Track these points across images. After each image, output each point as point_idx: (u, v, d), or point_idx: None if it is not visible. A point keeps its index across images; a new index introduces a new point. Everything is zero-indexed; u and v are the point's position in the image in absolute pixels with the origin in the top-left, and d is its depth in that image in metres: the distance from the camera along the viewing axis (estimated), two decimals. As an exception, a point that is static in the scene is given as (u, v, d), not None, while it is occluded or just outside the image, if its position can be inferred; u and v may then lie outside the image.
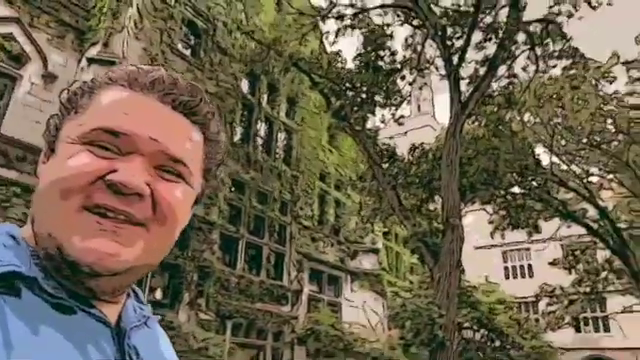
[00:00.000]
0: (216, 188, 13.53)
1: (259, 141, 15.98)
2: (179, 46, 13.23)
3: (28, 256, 0.52)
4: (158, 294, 11.93)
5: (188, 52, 13.65)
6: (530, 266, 31.07)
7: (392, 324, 14.40)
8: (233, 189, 14.37)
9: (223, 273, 12.66)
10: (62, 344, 0.48)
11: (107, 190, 0.52)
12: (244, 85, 15.59)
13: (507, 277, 31.76)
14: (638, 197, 18.23)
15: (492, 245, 29.58)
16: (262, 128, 16.34)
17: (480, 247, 31.87)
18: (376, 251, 19.03)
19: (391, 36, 11.84)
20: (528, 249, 30.27)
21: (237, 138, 15.11)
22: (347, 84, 12.16)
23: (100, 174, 0.52)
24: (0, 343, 0.44)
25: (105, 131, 0.54)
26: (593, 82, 15.39)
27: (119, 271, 0.53)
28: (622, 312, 20.83)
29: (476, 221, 27.20)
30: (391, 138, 33.61)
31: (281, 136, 16.92)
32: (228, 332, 12.29)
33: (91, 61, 10.02)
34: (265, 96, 16.37)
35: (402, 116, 13.98)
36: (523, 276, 31.37)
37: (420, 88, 16.14)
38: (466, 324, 16.74)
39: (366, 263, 18.09)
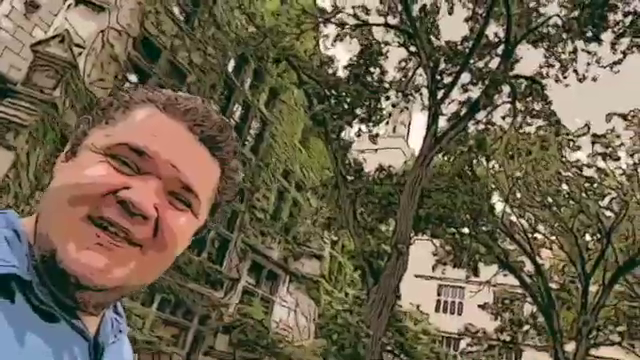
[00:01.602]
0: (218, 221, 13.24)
1: (232, 124, 15.77)
2: (175, 9, 12.91)
3: (27, 256, 0.52)
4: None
5: (182, 18, 13.34)
6: (461, 304, 32.11)
7: (319, 332, 14.53)
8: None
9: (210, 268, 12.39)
10: (41, 353, 0.49)
11: (115, 205, 0.52)
12: (230, 65, 15.37)
13: (437, 310, 32.69)
14: (573, 263, 19.22)
15: (430, 276, 30.34)
16: (238, 111, 16.16)
17: (419, 275, 32.65)
18: (320, 258, 19.15)
19: (386, 56, 11.99)
20: (463, 288, 31.26)
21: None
22: (333, 91, 12.21)
23: (113, 188, 0.53)
24: None
25: (130, 148, 0.55)
26: (559, 147, 16.14)
27: (105, 287, 0.53)
28: (534, 366, 21.82)
29: (421, 250, 27.85)
30: (362, 152, 33.93)
31: (255, 124, 16.79)
32: (154, 305, 12.04)
33: (79, 1, 9.61)
34: (249, 81, 16.20)
35: (377, 134, 14.18)
36: (452, 312, 32.38)
37: (401, 111, 16.41)
38: (388, 347, 17.11)
39: (308, 267, 18.17)
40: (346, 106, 11.31)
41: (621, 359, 24.83)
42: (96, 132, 0.58)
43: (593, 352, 22.93)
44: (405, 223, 9.35)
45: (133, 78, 12.98)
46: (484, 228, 14.78)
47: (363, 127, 13.37)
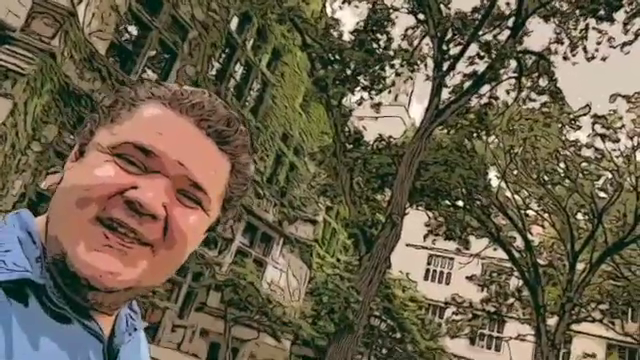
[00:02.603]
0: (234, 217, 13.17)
1: (232, 83, 15.56)
2: (178, -39, 12.48)
3: (41, 258, 0.52)
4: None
5: (186, -30, 12.90)
6: (449, 274, 32.78)
7: (309, 295, 14.86)
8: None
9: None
10: (56, 355, 0.49)
11: (123, 205, 0.52)
12: (233, 23, 15.00)
13: (426, 279, 33.40)
14: (563, 241, 19.54)
15: (422, 246, 30.82)
16: (239, 71, 15.90)
17: (410, 245, 33.15)
18: (314, 222, 19.35)
19: (393, 22, 11.72)
20: (452, 259, 31.82)
21: (212, 73, 14.64)
22: (337, 56, 11.98)
23: (120, 188, 0.52)
24: (2, 350, 0.44)
25: (136, 147, 0.54)
26: (560, 125, 16.08)
27: (117, 289, 0.53)
28: (515, 338, 22.56)
29: (413, 219, 28.14)
30: (361, 119, 33.70)
31: (256, 85, 16.56)
32: (150, 261, 12.19)
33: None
34: (252, 40, 15.85)
35: (380, 103, 14.03)
36: (440, 282, 33.09)
37: (405, 81, 16.19)
38: (376, 312, 17.55)
39: (302, 231, 18.39)
40: (349, 72, 11.12)
41: (601, 334, 25.70)
42: (103, 131, 0.57)
43: (574, 327, 23.70)
44: (401, 194, 9.40)
45: (133, 30, 12.68)
46: (478, 202, 14.90)
47: (365, 95, 13.22)
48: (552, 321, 19.66)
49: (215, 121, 0.58)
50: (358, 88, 12.86)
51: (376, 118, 44.70)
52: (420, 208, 14.31)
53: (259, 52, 16.19)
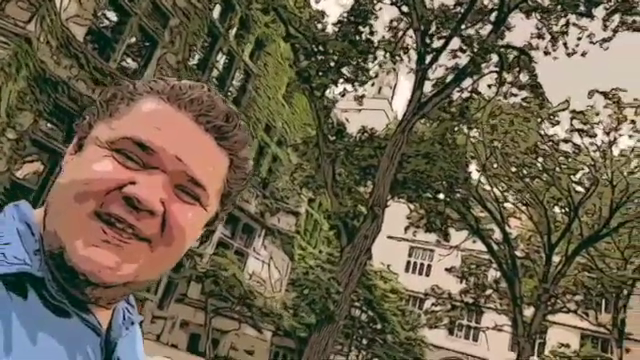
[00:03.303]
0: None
1: (215, 73, 15.37)
2: (160, -54, 12.22)
3: (40, 251, 0.52)
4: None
5: (167, -45, 12.64)
6: (430, 266, 33.22)
7: (291, 287, 14.89)
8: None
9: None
10: (54, 349, 0.49)
11: (121, 201, 0.52)
12: (216, 11, 14.79)
13: (407, 270, 33.79)
14: (540, 233, 19.94)
15: (403, 238, 31.13)
16: (222, 61, 15.71)
17: (392, 237, 33.45)
18: (297, 214, 19.35)
19: (376, 15, 11.70)
20: (433, 251, 32.23)
21: (193, 62, 14.43)
22: (320, 47, 11.93)
23: (118, 184, 0.52)
24: (1, 343, 0.45)
25: (134, 142, 0.54)
26: (539, 120, 16.34)
27: (115, 284, 0.53)
28: (493, 328, 23.02)
29: (395, 212, 28.38)
30: (345, 111, 33.70)
31: (239, 75, 16.39)
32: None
33: None
34: (234, 30, 15.66)
35: (363, 95, 14.04)
36: (421, 273, 33.52)
37: (387, 73, 16.22)
38: (357, 303, 17.70)
39: (284, 223, 18.37)
40: (333, 64, 11.08)
41: (576, 325, 26.40)
42: (101, 125, 0.57)
43: (549, 317, 24.30)
44: (383, 186, 9.45)
45: (113, 16, 12.40)
46: (458, 195, 15.08)
47: (349, 87, 13.21)
48: (528, 312, 20.10)
49: (214, 116, 0.57)
50: (341, 80, 12.85)
51: (359, 110, 44.74)
52: (402, 200, 14.42)
53: (242, 42, 16.01)
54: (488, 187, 20.13)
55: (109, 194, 0.51)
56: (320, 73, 11.30)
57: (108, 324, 0.59)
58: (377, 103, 43.69)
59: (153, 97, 0.57)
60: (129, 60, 13.25)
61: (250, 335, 16.97)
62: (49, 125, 10.75)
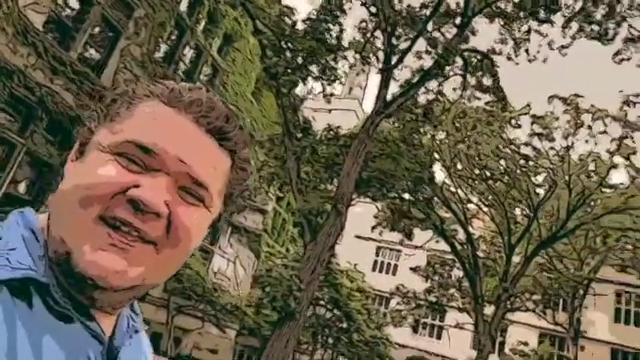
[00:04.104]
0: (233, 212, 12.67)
1: (181, 67, 15.11)
2: None
3: (44, 256, 0.52)
4: (21, 188, 10.98)
5: (133, -55, 12.35)
6: (397, 266, 33.66)
7: (255, 284, 14.81)
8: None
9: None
10: (57, 355, 0.49)
11: (126, 204, 0.52)
12: (183, 4, 14.55)
13: (374, 270, 34.13)
14: (501, 234, 20.50)
15: (370, 238, 31.43)
16: (189, 55, 15.46)
17: (360, 237, 33.74)
18: (264, 212, 19.24)
19: (345, 13, 11.77)
20: (400, 251, 32.65)
21: (159, 55, 14.14)
22: (289, 44, 11.90)
23: (123, 188, 0.52)
24: (5, 349, 0.44)
25: (136, 145, 0.54)
26: (501, 124, 16.80)
27: (123, 288, 0.53)
28: (455, 326, 23.53)
29: (363, 212, 28.63)
30: (315, 111, 33.70)
31: (206, 70, 16.17)
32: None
33: None
34: (202, 23, 15.45)
35: (331, 94, 14.07)
36: (388, 272, 33.93)
37: (357, 74, 16.33)
38: (322, 302, 17.74)
39: (250, 221, 18.24)
40: (300, 61, 11.08)
41: (535, 324, 27.29)
42: (102, 130, 0.57)
43: (510, 316, 25.02)
44: (347, 184, 9.51)
45: (75, 4, 12.02)
46: (424, 195, 15.34)
47: (317, 85, 13.23)
48: (489, 310, 20.64)
49: (214, 118, 0.57)
50: (309, 78, 12.85)
51: (330, 110, 44.95)
52: (369, 200, 14.56)
53: (210, 36, 15.80)
54: (453, 188, 20.57)
55: (114, 198, 0.52)
56: (288, 70, 11.27)
57: (112, 331, 0.58)
58: (348, 103, 43.93)
59: (153, 100, 0.57)
60: (92, 51, 12.88)
61: (214, 334, 16.76)
62: (3, 115, 10.32)
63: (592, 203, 19.50)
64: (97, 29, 12.42)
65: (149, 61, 13.52)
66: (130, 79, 12.98)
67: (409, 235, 16.19)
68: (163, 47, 14.38)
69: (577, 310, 23.61)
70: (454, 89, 14.59)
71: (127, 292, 0.55)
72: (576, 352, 23.28)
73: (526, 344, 24.81)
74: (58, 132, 11.17)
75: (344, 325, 22.03)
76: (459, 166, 19.40)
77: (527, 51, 14.07)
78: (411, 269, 24.89)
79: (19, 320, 0.47)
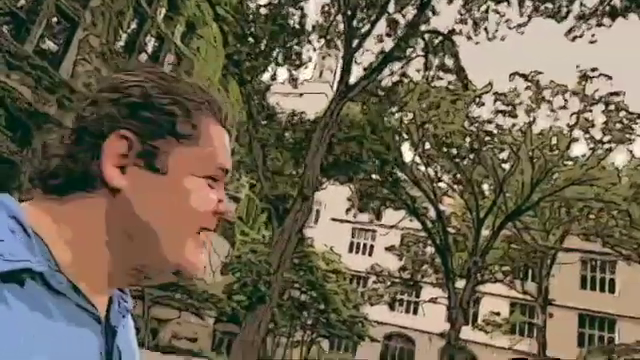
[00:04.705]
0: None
1: (144, 57, 14.86)
2: None
3: (36, 247, 0.53)
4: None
5: None
6: (372, 246, 34.18)
7: (225, 271, 14.94)
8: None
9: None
10: (60, 339, 0.51)
11: (215, 216, 0.62)
12: (142, -9, 14.24)
13: (350, 251, 34.59)
14: (470, 210, 21.08)
15: (346, 220, 31.81)
16: (150, 44, 15.20)
17: (335, 219, 34.09)
18: (237, 199, 19.28)
19: (305, -2, 11.76)
20: (375, 231, 33.14)
21: (119, 45, 13.88)
22: (251, 30, 11.85)
23: (217, 207, 0.62)
24: (7, 337, 0.46)
25: (223, 170, 0.64)
26: (465, 102, 17.16)
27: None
28: (428, 301, 24.21)
29: (338, 195, 28.91)
30: (286, 95, 33.53)
31: (170, 59, 15.94)
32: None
33: None
34: (163, 11, 15.17)
35: (296, 78, 14.11)
36: (364, 253, 34.43)
37: (323, 57, 16.35)
38: (297, 284, 17.99)
39: (223, 208, 18.25)
40: (262, 47, 11.07)
41: (506, 294, 28.27)
42: (184, 152, 0.60)
43: (482, 288, 25.87)
44: (312, 169, 9.65)
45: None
46: (393, 176, 15.63)
47: (282, 71, 13.22)
48: (462, 284, 21.31)
49: (232, 125, 0.70)
50: (273, 64, 12.85)
51: (301, 95, 44.68)
52: (343, 183, 14.74)
53: (172, 24, 15.54)
54: (422, 168, 20.98)
55: (211, 215, 0.61)
56: (250, 56, 11.25)
57: (106, 312, 0.61)
58: (318, 87, 43.83)
59: (211, 117, 0.64)
60: (50, 43, 12.56)
61: (192, 322, 16.86)
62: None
63: (555, 176, 20.21)
64: (54, 19, 12.10)
65: (109, 52, 13.27)
66: (90, 70, 12.72)
67: (378, 215, 16.49)
68: (124, 37, 14.10)
69: (545, 279, 24.56)
70: (418, 70, 14.83)
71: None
72: (544, 319, 24.30)
73: (498, 314, 25.73)
74: (17, 128, 10.94)
75: (322, 306, 22.42)
76: (427, 146, 19.78)
77: (486, 30, 14.37)
78: (386, 248, 25.40)
79: (17, 309, 0.48)
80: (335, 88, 10.55)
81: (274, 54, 12.04)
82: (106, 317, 0.60)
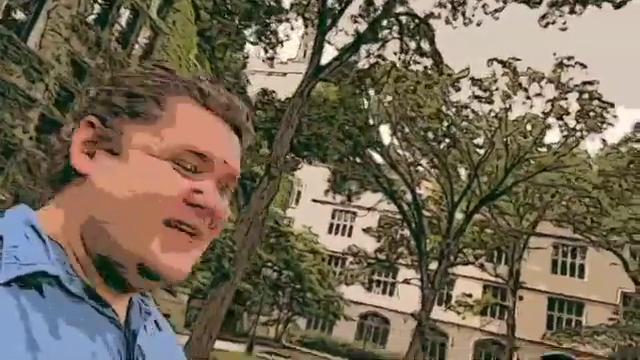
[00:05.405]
0: (49, 66, 12.18)
1: (117, 30, 14.58)
2: None
3: (51, 251, 0.53)
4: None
5: None
6: (352, 227, 34.53)
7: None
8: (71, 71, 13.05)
9: (32, 157, 11.67)
10: (78, 342, 0.50)
11: (189, 208, 0.55)
12: (115, -38, 13.89)
13: (330, 232, 34.94)
14: (445, 193, 21.39)
15: (326, 201, 32.01)
16: (125, 17, 14.89)
17: (316, 200, 34.30)
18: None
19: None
20: (355, 213, 33.45)
21: (91, 18, 13.59)
22: (224, 6, 11.70)
23: (188, 195, 0.55)
24: (24, 342, 0.46)
25: (193, 152, 0.56)
26: (442, 86, 17.25)
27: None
28: (403, 282, 24.67)
29: (319, 177, 29.02)
30: (269, 75, 33.19)
31: (145, 33, 15.65)
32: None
33: None
34: (137, -17, 14.82)
35: (272, 57, 14.00)
36: (343, 234, 34.82)
37: (302, 36, 16.23)
38: (269, 263, 18.17)
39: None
40: (235, 25, 10.94)
41: (480, 277, 28.95)
42: (140, 133, 0.57)
43: (456, 270, 26.44)
44: (281, 148, 9.69)
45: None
46: (365, 158, 15.73)
47: (258, 49, 13.11)
48: (434, 265, 21.74)
49: (238, 116, 0.61)
50: (247, 43, 12.72)
51: (284, 74, 44.37)
52: (312, 164, 14.81)
53: (147, -3, 15.21)
54: (400, 151, 21.13)
55: (179, 203, 0.54)
56: (223, 33, 11.12)
57: (126, 315, 0.60)
58: (302, 67, 43.38)
59: (185, 99, 0.58)
60: (21, 13, 12.25)
61: (166, 299, 16.99)
62: None
63: (529, 162, 20.56)
64: (21, -11, 11.79)
65: (80, 23, 12.99)
66: (60, 42, 12.46)
67: (349, 197, 16.66)
68: (97, 8, 13.80)
69: (516, 263, 25.16)
70: (394, 53, 14.83)
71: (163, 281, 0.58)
72: (514, 301, 24.98)
73: (470, 296, 26.36)
74: (-19, 99, 10.73)
75: (298, 286, 22.75)
76: (406, 129, 19.90)
77: (464, 14, 14.39)
78: (363, 230, 25.69)
79: (34, 314, 0.47)
80: (306, 68, 10.53)
81: (248, 32, 11.91)
82: (126, 321, 0.59)
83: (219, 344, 16.76)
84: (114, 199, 0.54)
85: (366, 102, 14.90)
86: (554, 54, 17.08)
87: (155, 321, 0.65)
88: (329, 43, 11.15)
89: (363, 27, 11.96)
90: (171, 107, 0.57)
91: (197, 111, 0.58)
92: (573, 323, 28.57)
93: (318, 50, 10.53)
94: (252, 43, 12.05)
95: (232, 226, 9.36)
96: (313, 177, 30.82)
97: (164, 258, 0.53)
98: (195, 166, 0.56)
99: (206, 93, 0.59)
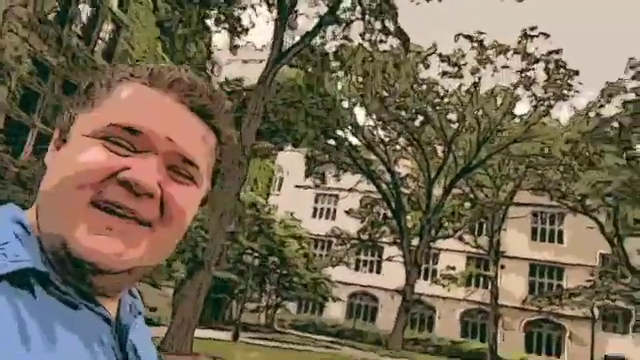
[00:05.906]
0: (12, 69, 11.99)
1: (78, 26, 14.34)
2: None
3: (38, 248, 0.53)
4: None
5: None
6: (335, 210, 34.78)
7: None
8: (34, 71, 12.86)
9: (1, 160, 11.55)
10: (71, 340, 0.50)
11: (119, 187, 0.52)
12: (69, -43, 13.59)
13: (314, 216, 35.14)
14: (422, 170, 21.73)
15: (308, 186, 32.15)
16: (85, 12, 14.63)
17: (299, 186, 34.42)
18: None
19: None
20: (337, 196, 33.66)
21: (51, 16, 13.33)
22: (182, -4, 11.59)
23: (114, 171, 0.52)
24: (18, 339, 0.46)
25: (123, 128, 0.54)
26: (412, 64, 17.38)
27: (122, 270, 0.54)
28: (386, 260, 25.13)
29: (301, 163, 29.07)
30: (245, 62, 32.86)
31: (107, 27, 15.41)
32: None
33: None
34: (95, -23, 14.55)
35: (237, 46, 13.95)
36: (327, 218, 35.06)
37: (267, 22, 16.14)
38: (250, 250, 18.33)
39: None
40: (194, 14, 10.88)
41: (463, 249, 29.55)
42: (84, 116, 0.57)
43: (439, 245, 26.96)
44: (248, 136, 9.76)
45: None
46: (337, 140, 15.86)
47: (222, 37, 13.00)
48: (416, 241, 22.18)
49: (197, 96, 0.58)
50: (215, 30, 12.63)
51: (261, 61, 43.85)
52: (281, 149, 14.87)
53: (106, -10, 14.93)
54: (375, 131, 21.32)
55: (105, 182, 0.51)
56: (183, 24, 11.05)
57: (116, 314, 0.59)
58: (277, 53, 43.01)
59: (133, 82, 0.57)
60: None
61: (151, 293, 17.06)
62: None
63: (501, 134, 20.94)
64: (-29, -10, 11.50)
65: (38, 22, 12.75)
66: (18, 42, 12.24)
67: (324, 179, 16.83)
68: (55, 5, 13.53)
69: (496, 233, 25.74)
70: (360, 34, 14.87)
71: (126, 276, 0.55)
72: (496, 270, 25.62)
73: (454, 268, 26.92)
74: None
75: (284, 271, 23.00)
76: (379, 109, 20.06)
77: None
78: (345, 212, 25.98)
79: (26, 311, 0.47)
80: (268, 54, 10.55)
81: (207, 22, 11.84)
82: (116, 317, 0.59)
83: (209, 333, 16.95)
84: (46, 187, 0.54)
85: (339, 85, 14.95)
86: (524, 30, 17.23)
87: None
88: (290, 28, 11.16)
89: (324, 10, 11.99)
90: (118, 91, 0.57)
91: (140, 89, 0.57)
92: (554, 287, 29.39)
93: (280, 35, 10.53)
94: (215, 32, 11.99)
95: (202, 215, 9.45)
96: (295, 163, 30.87)
97: (88, 241, 0.51)
98: (132, 144, 0.53)
99: (154, 74, 0.57)
